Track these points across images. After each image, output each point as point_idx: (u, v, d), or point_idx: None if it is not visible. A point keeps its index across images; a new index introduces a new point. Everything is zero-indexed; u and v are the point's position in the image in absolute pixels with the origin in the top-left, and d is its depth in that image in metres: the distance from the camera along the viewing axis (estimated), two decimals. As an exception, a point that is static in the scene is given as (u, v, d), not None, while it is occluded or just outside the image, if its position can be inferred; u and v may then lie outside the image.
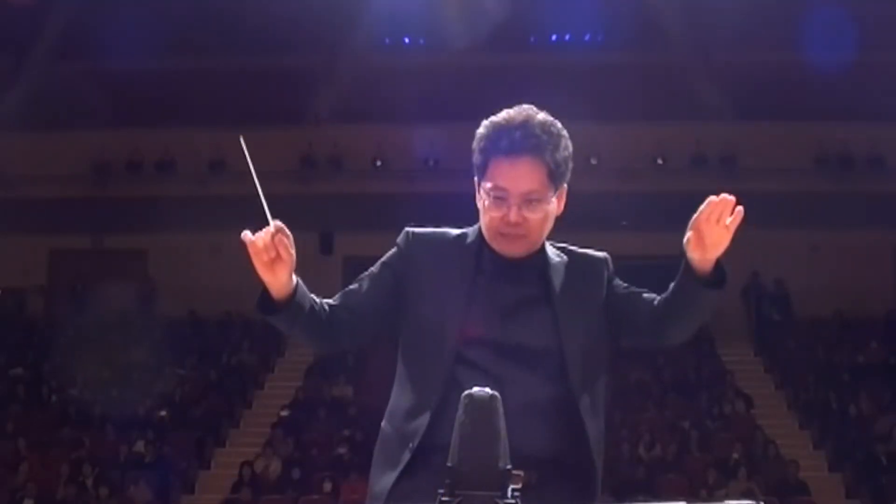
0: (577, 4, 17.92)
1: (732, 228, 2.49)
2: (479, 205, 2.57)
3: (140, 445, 15.07)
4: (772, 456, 14.54)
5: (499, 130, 2.51)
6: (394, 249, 2.64)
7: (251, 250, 2.40)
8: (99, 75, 18.13)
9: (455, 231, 2.66)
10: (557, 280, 2.56)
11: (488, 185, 2.50)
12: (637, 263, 22.54)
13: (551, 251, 2.62)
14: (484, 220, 2.55)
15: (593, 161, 17.95)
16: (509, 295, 2.53)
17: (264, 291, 2.45)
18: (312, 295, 2.52)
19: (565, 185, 2.57)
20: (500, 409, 1.96)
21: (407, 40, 19.65)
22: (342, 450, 14.72)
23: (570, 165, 2.55)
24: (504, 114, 2.54)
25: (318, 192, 18.46)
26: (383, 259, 2.64)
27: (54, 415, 16.29)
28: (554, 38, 19.53)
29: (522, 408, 2.37)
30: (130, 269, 19.23)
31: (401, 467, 2.44)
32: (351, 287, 2.61)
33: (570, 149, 2.54)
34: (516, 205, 2.48)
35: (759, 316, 18.39)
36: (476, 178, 2.58)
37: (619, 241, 18.92)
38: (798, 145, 18.09)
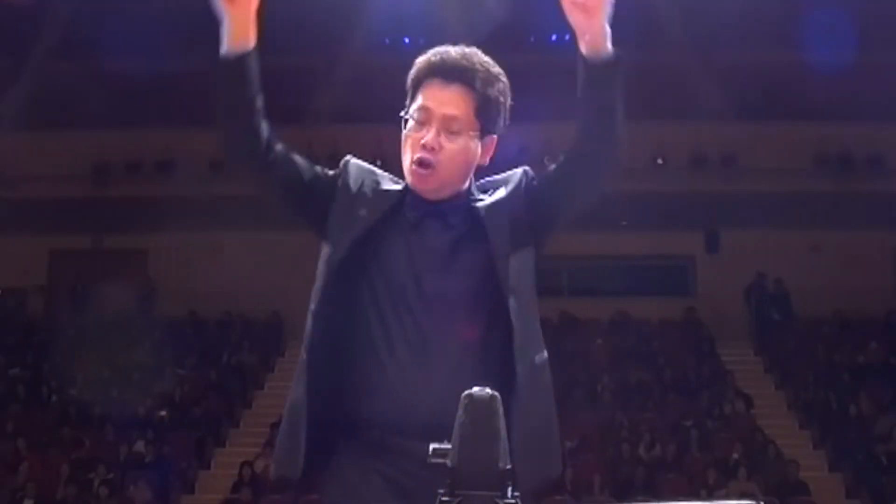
0: (577, 4, 17.89)
1: None
2: (404, 145, 2.51)
3: (140, 445, 15.07)
4: (772, 456, 14.54)
5: (435, 53, 2.49)
6: (335, 170, 2.62)
7: None
8: (99, 75, 18.13)
9: (388, 175, 2.61)
10: (484, 213, 2.47)
11: (414, 107, 2.47)
12: (637, 263, 22.61)
13: (476, 190, 2.54)
14: (404, 151, 2.50)
15: (593, 161, 17.94)
16: (429, 241, 2.46)
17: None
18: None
19: (495, 137, 2.52)
20: (500, 409, 1.96)
21: (407, 40, 19.64)
22: (342, 450, 14.71)
23: (503, 114, 2.50)
24: (447, 45, 2.52)
25: (318, 192, 18.44)
26: (328, 171, 2.62)
27: (54, 415, 16.29)
28: (554, 38, 19.55)
29: (442, 361, 2.33)
30: (130, 269, 19.22)
31: (304, 396, 2.42)
32: (301, 156, 2.59)
33: (507, 95, 2.50)
34: (436, 129, 2.43)
35: (760, 316, 18.39)
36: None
37: (619, 241, 19.04)
38: (798, 145, 18.10)
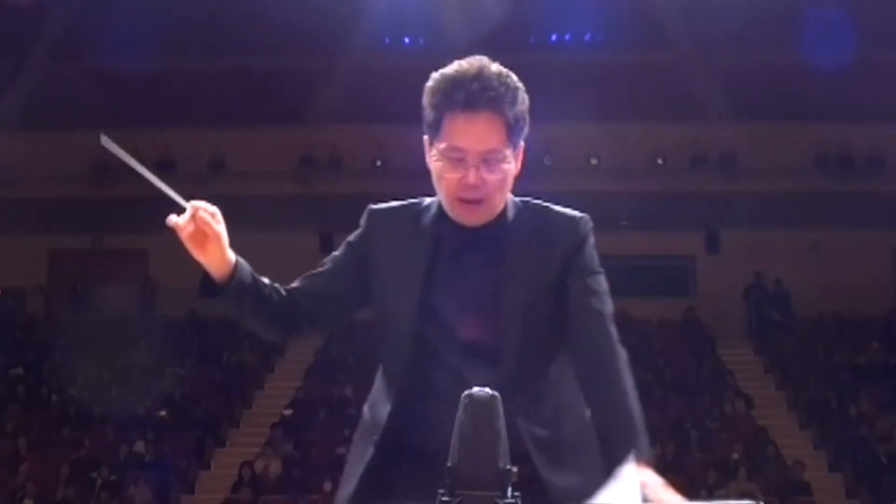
0: (577, 4, 17.92)
1: None
2: (431, 166, 2.43)
3: (140, 445, 15.07)
4: (772, 456, 14.54)
5: (453, 83, 2.35)
6: (358, 229, 2.55)
7: (180, 235, 2.37)
8: (99, 75, 18.14)
9: (422, 201, 2.53)
10: (512, 256, 2.41)
11: (443, 145, 2.37)
12: (637, 263, 22.62)
13: (515, 212, 2.47)
14: (440, 185, 2.41)
15: (593, 161, 17.95)
16: (468, 278, 2.41)
17: (206, 276, 2.41)
18: (266, 279, 2.45)
19: (522, 143, 2.42)
20: (500, 409, 1.96)
21: (407, 40, 19.65)
22: (342, 450, 14.70)
23: (528, 120, 2.41)
24: (456, 65, 2.39)
25: (318, 192, 18.45)
26: (349, 239, 2.55)
27: (54, 415, 16.29)
28: (554, 38, 19.54)
29: None
30: (130, 269, 19.22)
31: (364, 464, 2.42)
32: (314, 270, 2.54)
33: (527, 102, 2.40)
34: (474, 165, 2.34)
35: (759, 316, 18.39)
36: (427, 137, 2.44)
37: (619, 241, 18.98)
38: (798, 145, 18.09)
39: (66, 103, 18.02)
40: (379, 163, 18.46)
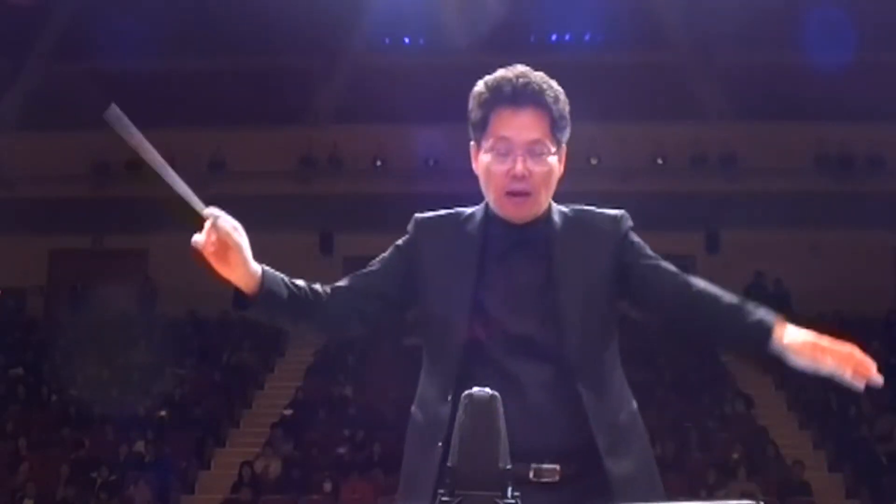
0: (577, 4, 17.93)
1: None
2: (479, 169, 2.51)
3: (140, 445, 15.07)
4: (772, 456, 14.54)
5: (500, 81, 2.47)
6: (406, 236, 2.61)
7: (203, 252, 2.41)
8: (99, 75, 18.13)
9: (465, 210, 2.60)
10: (562, 252, 2.49)
11: (490, 140, 2.47)
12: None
13: (558, 215, 2.55)
14: (488, 182, 2.49)
15: (593, 161, 17.95)
16: (517, 276, 2.48)
17: (237, 289, 2.42)
18: (301, 281, 2.48)
19: (565, 146, 2.53)
20: (500, 409, 1.96)
21: (407, 40, 19.66)
22: (342, 450, 14.73)
23: (569, 122, 2.51)
24: (498, 71, 2.51)
25: (318, 192, 18.45)
26: (397, 243, 2.61)
27: (54, 415, 16.29)
28: (554, 38, 19.54)
29: (532, 402, 2.36)
30: (130, 269, 19.22)
31: (436, 465, 2.38)
32: (361, 270, 2.59)
33: (568, 105, 2.51)
34: (521, 156, 2.44)
35: (760, 316, 18.35)
36: (473, 142, 2.53)
37: (619, 241, 19.01)
38: (798, 145, 18.10)
39: (66, 103, 18.01)
40: (379, 163, 18.46)
